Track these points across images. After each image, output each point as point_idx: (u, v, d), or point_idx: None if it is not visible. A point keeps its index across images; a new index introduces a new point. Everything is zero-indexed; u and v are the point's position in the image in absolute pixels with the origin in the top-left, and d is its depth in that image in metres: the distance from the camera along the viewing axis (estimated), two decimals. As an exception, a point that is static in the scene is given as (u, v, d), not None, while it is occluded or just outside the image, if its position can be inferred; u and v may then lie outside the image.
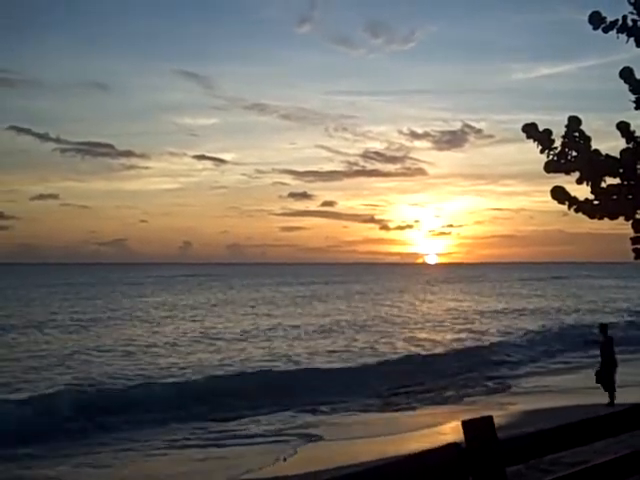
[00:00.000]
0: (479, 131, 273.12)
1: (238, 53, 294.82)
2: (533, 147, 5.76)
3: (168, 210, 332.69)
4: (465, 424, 3.40)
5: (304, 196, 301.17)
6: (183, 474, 13.21)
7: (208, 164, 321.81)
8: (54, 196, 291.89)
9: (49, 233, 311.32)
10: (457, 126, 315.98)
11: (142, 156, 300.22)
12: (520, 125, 5.82)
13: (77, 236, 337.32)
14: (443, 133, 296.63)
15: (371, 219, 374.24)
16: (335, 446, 15.28)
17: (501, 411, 17.26)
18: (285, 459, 13.72)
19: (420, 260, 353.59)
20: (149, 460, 14.23)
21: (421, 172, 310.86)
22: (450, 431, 16.04)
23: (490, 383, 23.01)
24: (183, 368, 25.33)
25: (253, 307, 57.81)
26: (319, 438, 15.87)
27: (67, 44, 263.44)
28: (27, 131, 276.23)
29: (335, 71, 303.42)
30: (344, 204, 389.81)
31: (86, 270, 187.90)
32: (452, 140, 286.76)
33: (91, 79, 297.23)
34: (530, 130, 5.79)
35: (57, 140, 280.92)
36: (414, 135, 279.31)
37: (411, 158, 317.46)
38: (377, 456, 12.42)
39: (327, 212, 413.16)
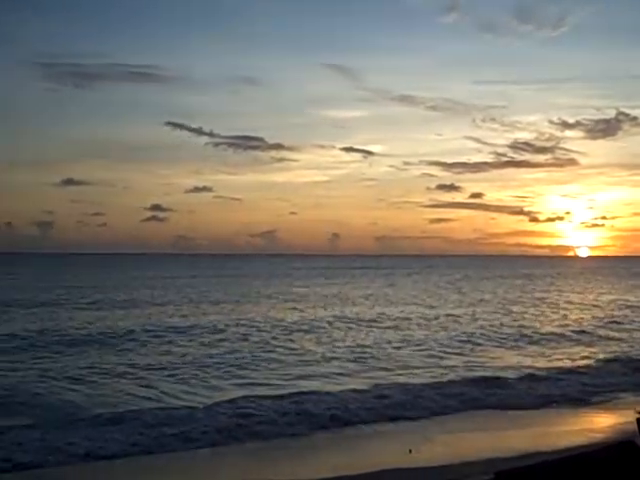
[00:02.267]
0: (634, 119, 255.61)
1: (384, 45, 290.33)
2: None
3: (317, 202, 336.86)
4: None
5: (452, 188, 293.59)
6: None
7: (356, 156, 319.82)
8: (208, 189, 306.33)
9: (203, 225, 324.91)
10: (611, 114, 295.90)
11: (291, 149, 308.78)
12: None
13: (229, 227, 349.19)
14: (596, 122, 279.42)
15: (520, 211, 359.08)
16: (473, 438, 15.58)
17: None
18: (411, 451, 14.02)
19: (571, 253, 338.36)
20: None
21: (572, 162, 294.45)
22: (606, 430, 16.03)
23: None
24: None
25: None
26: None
27: (217, 40, 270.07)
28: (182, 126, 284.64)
29: (482, 60, 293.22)
30: (492, 196, 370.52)
31: (245, 260, 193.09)
32: (605, 129, 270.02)
33: (241, 74, 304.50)
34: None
35: (210, 134, 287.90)
36: (565, 124, 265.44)
37: (562, 148, 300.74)
38: (513, 452, 13.10)
39: (475, 204, 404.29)
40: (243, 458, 14.09)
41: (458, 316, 42.51)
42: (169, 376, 22.17)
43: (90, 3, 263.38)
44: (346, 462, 13.38)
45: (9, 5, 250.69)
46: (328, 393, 19.24)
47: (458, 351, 28.53)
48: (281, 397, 18.56)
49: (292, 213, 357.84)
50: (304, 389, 19.93)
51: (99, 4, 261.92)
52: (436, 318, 41.21)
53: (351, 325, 37.25)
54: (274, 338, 31.37)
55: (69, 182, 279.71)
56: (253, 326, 35.65)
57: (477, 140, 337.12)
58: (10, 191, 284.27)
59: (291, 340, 31.03)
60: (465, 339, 31.79)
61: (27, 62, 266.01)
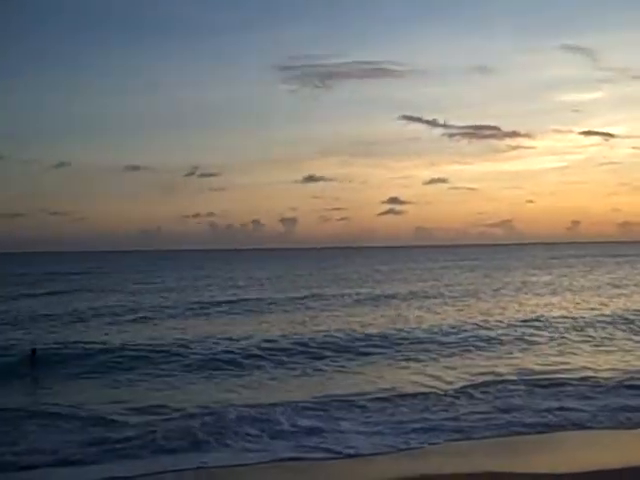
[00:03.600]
0: None
1: (623, 20, 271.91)
2: None
3: (554, 189, 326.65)
4: None
5: None
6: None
7: (595, 140, 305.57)
8: (443, 180, 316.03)
9: (439, 216, 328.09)
10: None
11: (527, 136, 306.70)
12: None
13: (465, 218, 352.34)
14: None
15: None
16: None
17: None
18: None
19: None
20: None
21: None
22: None
23: None
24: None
25: None
26: None
27: (448, 30, 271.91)
28: (417, 119, 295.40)
29: None
30: None
31: (484, 251, 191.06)
32: None
33: (473, 62, 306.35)
34: None
35: (444, 125, 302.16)
36: None
37: None
38: None
39: None
40: (484, 449, 14.28)
41: None
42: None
43: (324, 5, 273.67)
44: (585, 458, 13.38)
45: (247, 17, 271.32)
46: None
47: None
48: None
49: (529, 201, 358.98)
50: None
51: (333, 6, 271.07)
52: None
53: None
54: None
55: (310, 179, 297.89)
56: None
57: None
58: (257, 189, 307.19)
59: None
60: None
61: (270, 66, 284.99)
